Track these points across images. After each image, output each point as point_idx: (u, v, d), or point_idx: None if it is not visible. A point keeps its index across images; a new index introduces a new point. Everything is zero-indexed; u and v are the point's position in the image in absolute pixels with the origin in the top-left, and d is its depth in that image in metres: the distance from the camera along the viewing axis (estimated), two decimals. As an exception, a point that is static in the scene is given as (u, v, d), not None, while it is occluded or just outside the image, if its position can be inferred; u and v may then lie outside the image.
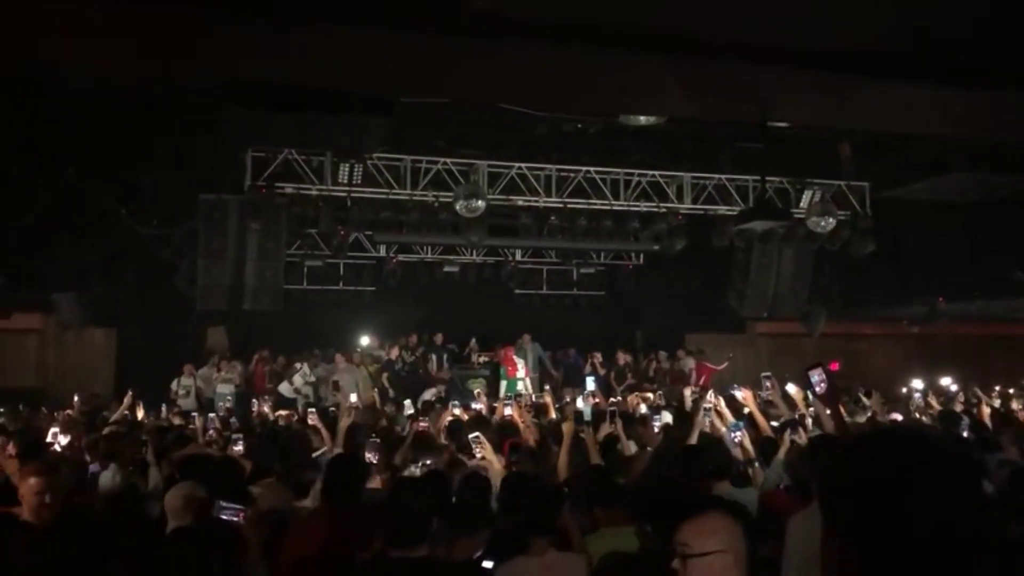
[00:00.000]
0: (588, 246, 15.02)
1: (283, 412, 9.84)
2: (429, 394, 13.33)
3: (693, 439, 6.08)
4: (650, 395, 11.54)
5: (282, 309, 12.59)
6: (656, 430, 5.97)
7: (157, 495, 5.09)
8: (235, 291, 11.85)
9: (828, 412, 4.81)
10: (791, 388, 7.29)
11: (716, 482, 4.82)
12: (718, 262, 14.57)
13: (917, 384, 12.05)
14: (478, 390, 10.64)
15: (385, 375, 13.63)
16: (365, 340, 15.81)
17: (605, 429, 6.64)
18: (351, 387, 13.25)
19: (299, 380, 13.65)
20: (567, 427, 6.13)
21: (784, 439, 5.93)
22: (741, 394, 7.17)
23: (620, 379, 15.45)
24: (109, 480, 5.30)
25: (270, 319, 14.00)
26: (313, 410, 8.03)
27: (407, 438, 6.83)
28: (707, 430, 6.32)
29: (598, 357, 15.60)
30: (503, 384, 14.36)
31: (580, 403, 9.71)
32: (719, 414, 6.87)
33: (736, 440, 6.09)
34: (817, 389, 4.35)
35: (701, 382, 14.94)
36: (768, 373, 7.16)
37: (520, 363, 14.58)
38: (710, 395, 7.69)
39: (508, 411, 7.63)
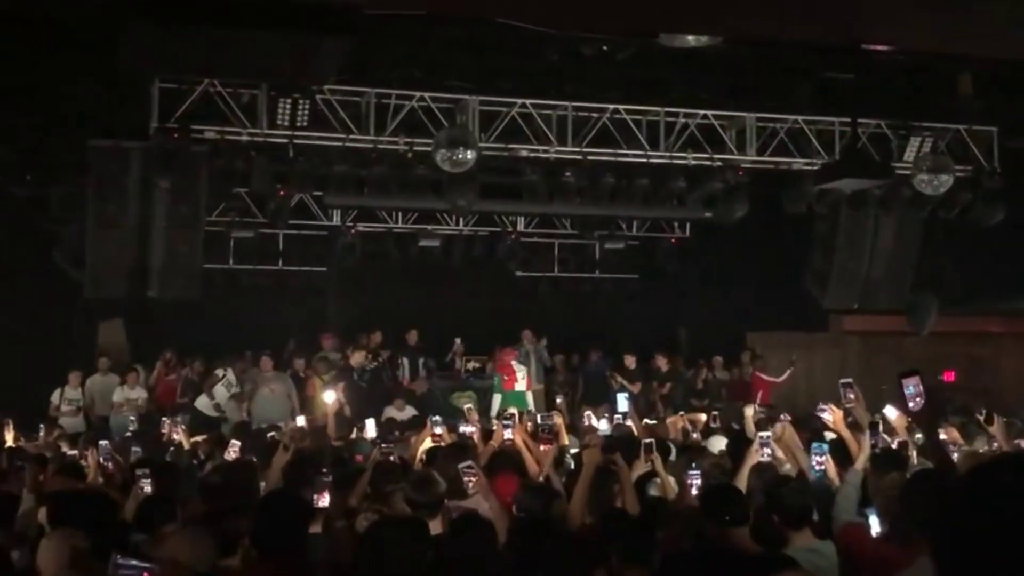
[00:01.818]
0: (616, 212, 15.01)
1: (200, 438, 9.84)
2: (395, 412, 13.32)
3: (742, 479, 6.09)
4: (701, 416, 11.53)
5: (201, 296, 12.58)
6: (694, 489, 5.97)
7: (28, 539, 5.10)
8: (137, 272, 11.83)
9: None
10: (891, 412, 7.29)
11: (793, 532, 4.84)
12: (792, 235, 14.54)
13: None
14: (468, 405, 10.63)
15: (341, 386, 13.64)
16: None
17: (639, 467, 6.64)
18: (277, 403, 13.24)
19: (221, 392, 13.65)
20: (589, 456, 6.14)
21: (864, 444, 5.96)
22: (830, 416, 7.18)
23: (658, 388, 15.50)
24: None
25: (185, 310, 13.98)
26: (236, 442, 8.03)
27: (366, 471, 6.85)
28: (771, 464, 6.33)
29: (631, 362, 15.57)
30: (496, 399, 14.38)
31: (603, 425, 9.74)
32: (784, 442, 6.87)
33: (817, 466, 6.10)
34: (911, 404, 4.37)
35: (758, 399, 14.98)
36: (848, 380, 7.17)
37: (521, 371, 14.59)
38: (781, 418, 7.69)
39: (508, 434, 7.64)
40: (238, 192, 14.10)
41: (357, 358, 14.51)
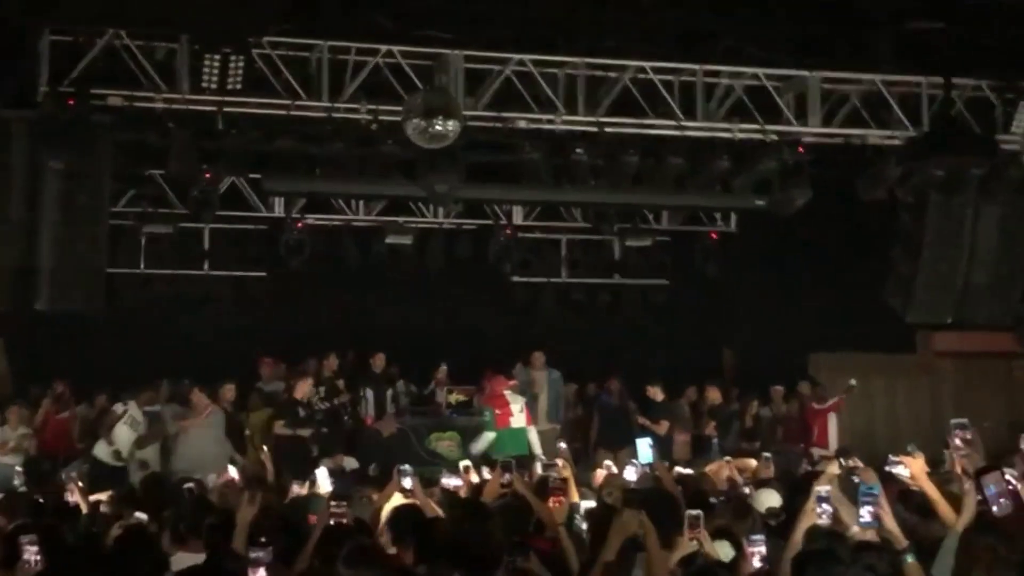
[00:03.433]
0: (641, 200, 14.99)
1: (104, 496, 9.79)
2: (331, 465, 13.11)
3: (794, 545, 6.06)
4: (751, 462, 11.54)
5: (104, 310, 12.56)
6: (756, 559, 5.89)
7: None
8: (21, 279, 11.79)
9: None
10: None
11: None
12: (868, 229, 14.56)
13: None
14: (467, 463, 10.54)
15: (281, 424, 13.57)
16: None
17: (683, 546, 6.53)
18: (211, 448, 13.15)
19: (124, 434, 13.52)
20: (623, 523, 6.08)
21: (967, 501, 5.87)
22: (905, 470, 7.15)
23: (702, 425, 15.45)
24: None
25: (83, 327, 13.93)
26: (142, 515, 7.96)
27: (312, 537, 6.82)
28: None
29: (656, 394, 15.52)
30: (486, 438, 14.26)
31: (630, 473, 9.71)
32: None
33: (867, 515, 6.05)
34: (995, 508, 4.38)
35: (814, 437, 14.95)
36: (962, 420, 7.12)
37: (517, 402, 14.42)
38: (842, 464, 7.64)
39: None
40: (151, 175, 14.06)
41: (304, 390, 14.38)
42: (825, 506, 6.42)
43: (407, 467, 8.67)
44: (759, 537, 5.98)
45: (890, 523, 6.16)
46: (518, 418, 14.16)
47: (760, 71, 12.94)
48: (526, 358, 15.72)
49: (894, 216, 14.27)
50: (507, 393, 14.37)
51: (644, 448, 9.74)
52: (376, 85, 12.06)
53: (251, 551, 5.79)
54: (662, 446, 14.04)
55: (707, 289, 17.83)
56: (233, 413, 14.36)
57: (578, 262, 17.97)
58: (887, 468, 7.92)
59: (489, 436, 14.16)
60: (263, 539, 6.04)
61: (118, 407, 13.64)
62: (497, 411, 14.26)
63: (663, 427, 14.94)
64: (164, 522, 7.86)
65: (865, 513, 6.08)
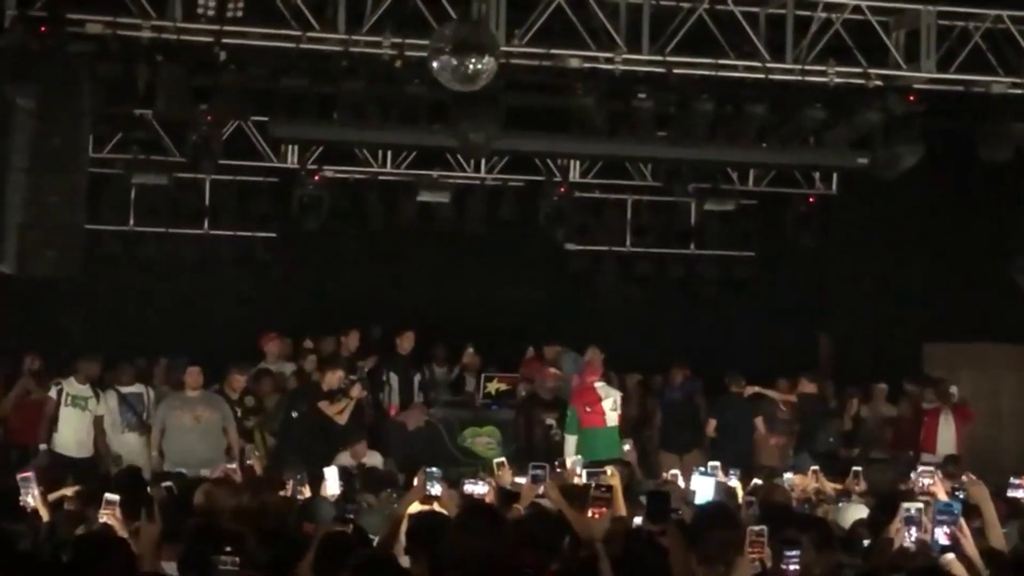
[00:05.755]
0: (720, 156, 14.92)
1: (68, 492, 9.87)
2: (349, 460, 13.05)
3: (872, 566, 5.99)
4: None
5: (84, 274, 12.71)
6: None
7: None
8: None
9: None
10: None
11: None
12: (991, 194, 14.47)
13: None
14: (501, 460, 10.46)
15: (327, 404, 13.56)
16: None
17: (743, 569, 6.48)
18: (205, 438, 13.18)
19: (74, 417, 13.47)
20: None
21: None
22: None
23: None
24: None
25: (59, 294, 14.07)
26: (113, 498, 7.98)
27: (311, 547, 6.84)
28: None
29: (732, 385, 15.37)
30: (570, 442, 13.87)
31: (699, 484, 9.65)
32: None
33: (941, 536, 5.99)
34: None
35: (921, 442, 14.81)
36: None
37: (611, 398, 13.98)
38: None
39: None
40: (141, 116, 14.14)
41: (333, 379, 14.20)
42: (913, 528, 6.34)
43: (435, 470, 8.64)
44: (794, 555, 5.89)
45: (971, 549, 6.09)
46: (611, 416, 13.79)
47: (863, 3, 12.80)
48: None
49: (1022, 179, 14.14)
50: (599, 386, 13.99)
51: (704, 487, 9.51)
52: (402, 14, 12.06)
53: (217, 560, 5.82)
54: (725, 449, 13.96)
55: (801, 263, 17.77)
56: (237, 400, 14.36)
57: (645, 228, 17.92)
58: (1010, 493, 7.86)
59: (572, 440, 13.80)
60: (228, 548, 6.06)
61: (52, 391, 13.59)
62: (587, 408, 13.84)
63: (710, 426, 14.88)
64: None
65: (940, 535, 6.01)
